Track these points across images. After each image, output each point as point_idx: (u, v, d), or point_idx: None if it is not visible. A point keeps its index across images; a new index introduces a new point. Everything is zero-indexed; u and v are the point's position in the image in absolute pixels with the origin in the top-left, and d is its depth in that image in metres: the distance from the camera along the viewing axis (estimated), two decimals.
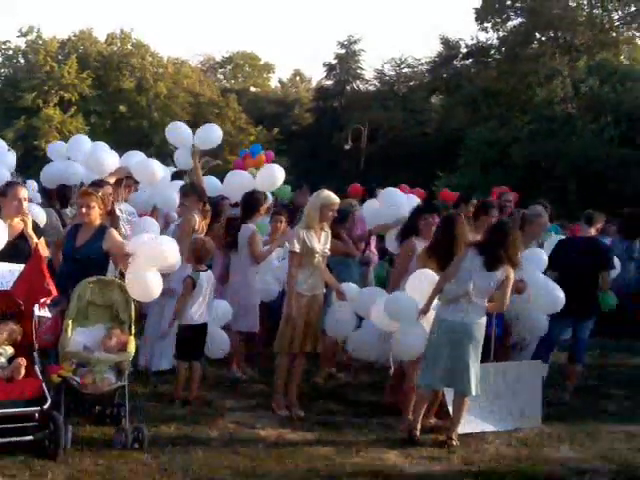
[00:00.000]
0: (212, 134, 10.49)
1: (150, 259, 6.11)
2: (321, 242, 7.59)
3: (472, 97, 39.58)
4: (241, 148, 47.88)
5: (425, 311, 7.16)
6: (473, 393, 6.97)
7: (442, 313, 7.04)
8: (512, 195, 12.11)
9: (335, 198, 7.61)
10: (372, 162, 43.81)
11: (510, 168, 32.14)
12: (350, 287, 8.06)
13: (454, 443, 6.90)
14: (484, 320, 7.01)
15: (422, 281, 7.28)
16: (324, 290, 7.77)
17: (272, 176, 9.74)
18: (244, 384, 8.65)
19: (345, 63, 54.39)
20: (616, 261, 11.49)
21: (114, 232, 7.09)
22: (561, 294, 8.12)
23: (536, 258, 8.36)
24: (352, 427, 7.28)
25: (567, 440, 7.33)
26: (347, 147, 39.08)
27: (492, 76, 40.71)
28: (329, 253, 7.76)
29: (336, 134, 47.16)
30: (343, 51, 54.46)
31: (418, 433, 7.00)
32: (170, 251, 6.19)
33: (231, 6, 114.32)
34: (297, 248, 7.42)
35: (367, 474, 6.13)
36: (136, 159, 10.14)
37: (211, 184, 10.78)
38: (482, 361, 7.37)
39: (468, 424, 7.30)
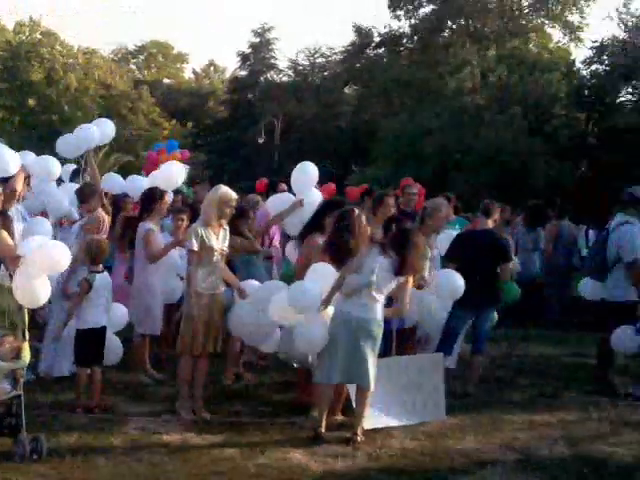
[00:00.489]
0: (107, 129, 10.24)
1: (40, 264, 5.94)
2: (220, 239, 7.52)
3: (384, 88, 39.75)
4: (154, 143, 47.45)
5: (326, 303, 7.14)
6: (372, 387, 6.98)
7: (341, 306, 7.04)
8: (417, 187, 12.23)
9: (232, 194, 7.55)
10: (287, 155, 43.83)
11: (423, 160, 32.44)
12: (251, 285, 7.99)
13: (359, 439, 6.91)
14: (382, 316, 7.03)
15: (321, 274, 7.24)
16: (224, 288, 7.71)
17: (171, 175, 9.54)
18: (150, 389, 8.52)
19: (259, 53, 54.04)
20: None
21: (3, 234, 6.85)
22: (461, 281, 8.20)
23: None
24: (258, 428, 7.22)
25: (471, 431, 7.41)
26: (261, 141, 39.02)
27: (404, 65, 40.93)
28: (228, 250, 7.70)
29: (251, 127, 46.94)
30: (257, 40, 54.14)
31: (323, 430, 7.00)
32: (62, 256, 6.03)
33: None
34: (195, 246, 7.34)
35: (271, 474, 6.10)
36: (30, 157, 9.83)
37: (114, 182, 10.61)
38: (384, 355, 7.46)
39: (374, 419, 7.33)
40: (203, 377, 7.73)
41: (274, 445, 6.79)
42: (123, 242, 9.54)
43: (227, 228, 7.69)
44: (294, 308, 7.21)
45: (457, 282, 8.25)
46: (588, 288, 9.62)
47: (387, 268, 6.94)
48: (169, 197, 8.92)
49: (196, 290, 7.39)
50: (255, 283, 8.02)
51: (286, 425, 7.35)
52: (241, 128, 50.68)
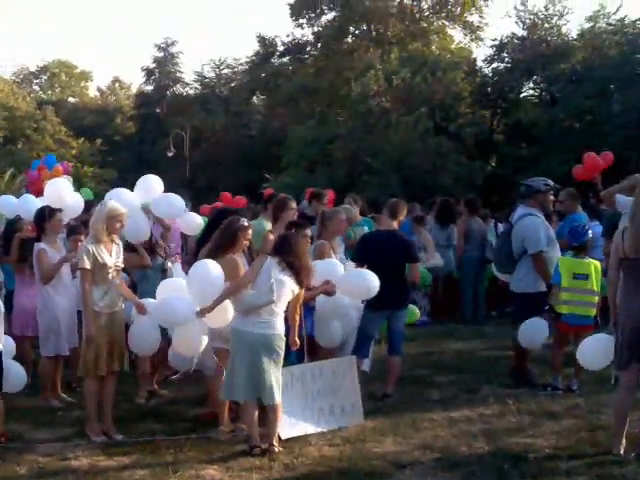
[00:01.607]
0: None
1: None
2: (113, 256, 7.27)
3: (291, 96, 39.73)
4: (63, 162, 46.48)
5: (207, 312, 6.95)
6: (276, 401, 6.80)
7: (240, 325, 6.85)
8: (328, 193, 12.19)
9: (120, 209, 7.32)
10: (198, 168, 43.44)
11: (334, 166, 32.50)
12: (149, 301, 7.74)
13: (276, 450, 6.72)
14: (283, 329, 6.89)
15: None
16: (123, 306, 7.46)
17: (57, 190, 9.18)
18: (60, 412, 8.19)
19: (164, 67, 53.56)
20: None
21: None
22: (374, 279, 8.06)
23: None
24: (172, 445, 6.94)
25: (390, 433, 7.29)
26: (170, 154, 38.56)
27: (310, 73, 40.97)
28: (123, 266, 7.46)
29: (160, 141, 46.45)
30: (161, 54, 53.66)
31: (259, 444, 6.78)
32: None
33: (42, 12, 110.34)
34: (87, 264, 7.08)
35: None
36: None
37: (8, 203, 10.26)
38: (297, 362, 7.32)
39: (291, 428, 7.17)
40: (111, 397, 7.47)
41: (188, 462, 6.56)
42: (22, 264, 9.20)
43: (120, 243, 7.46)
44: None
45: (369, 281, 8.10)
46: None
47: (283, 280, 6.80)
48: (60, 215, 8.58)
49: (93, 310, 7.12)
50: (152, 301, 7.76)
51: (201, 440, 7.11)
52: (150, 142, 50.16)
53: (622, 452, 6.53)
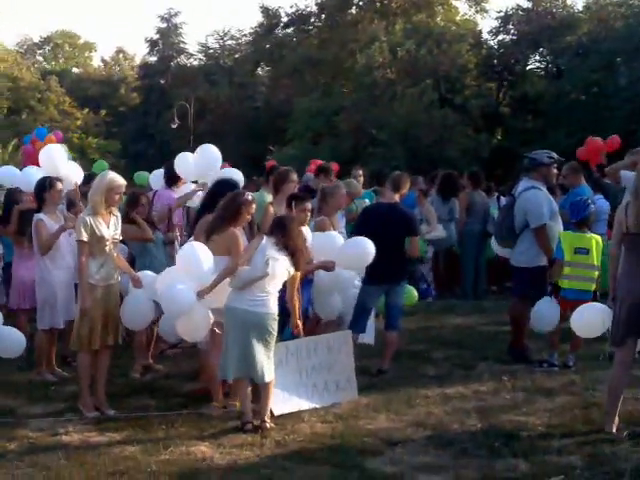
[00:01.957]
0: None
1: None
2: (111, 228, 7.21)
3: (295, 67, 39.48)
4: (67, 133, 46.40)
5: (207, 292, 6.91)
6: (266, 380, 6.77)
7: (233, 302, 6.78)
8: (334, 165, 12.17)
9: (120, 180, 7.24)
10: (203, 139, 43.21)
11: (339, 137, 32.38)
12: (145, 274, 7.69)
13: (267, 426, 6.68)
14: (276, 309, 6.84)
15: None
16: (120, 278, 7.40)
17: (50, 159, 9.11)
18: (53, 387, 8.15)
19: (168, 37, 53.36)
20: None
21: None
22: (369, 245, 8.00)
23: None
24: (165, 421, 6.89)
25: (383, 409, 7.24)
26: (174, 126, 38.44)
27: (314, 44, 40.69)
28: (121, 238, 7.41)
29: (165, 112, 46.30)
30: (164, 25, 53.40)
31: (251, 421, 6.75)
32: None
33: None
34: (85, 237, 7.01)
35: (172, 471, 5.81)
36: None
37: (10, 174, 10.19)
38: (292, 337, 7.29)
39: (283, 404, 7.13)
40: (105, 372, 7.43)
41: (180, 439, 6.51)
42: (20, 236, 9.15)
43: (118, 215, 7.39)
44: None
45: (364, 247, 8.04)
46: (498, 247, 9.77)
47: (279, 258, 6.75)
48: (60, 185, 8.50)
49: (89, 282, 7.06)
50: (150, 273, 7.71)
51: (194, 417, 7.07)
52: (154, 114, 50.00)
53: (614, 430, 6.47)
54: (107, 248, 7.16)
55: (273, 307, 6.80)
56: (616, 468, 5.82)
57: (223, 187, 7.83)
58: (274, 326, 6.82)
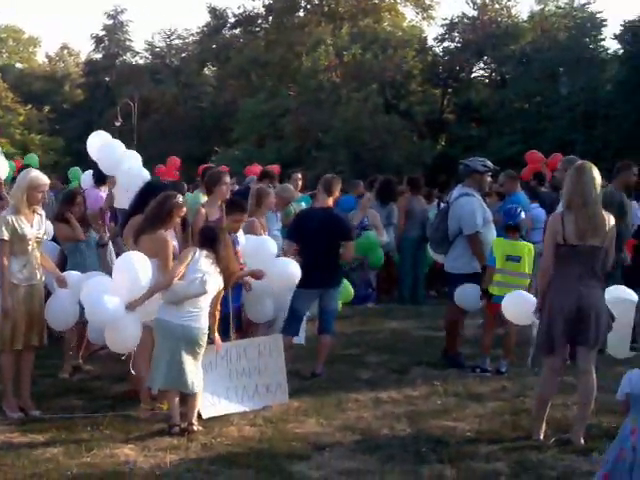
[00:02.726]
0: None
1: None
2: (34, 227, 7.04)
3: (242, 68, 39.38)
4: (10, 129, 45.61)
5: (138, 304, 6.76)
6: (195, 391, 6.67)
7: (165, 315, 6.67)
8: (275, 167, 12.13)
9: (43, 179, 7.09)
10: (147, 139, 42.84)
11: (284, 140, 32.34)
12: (71, 274, 7.53)
13: (195, 429, 6.59)
14: (207, 323, 6.76)
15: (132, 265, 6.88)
16: (44, 278, 7.25)
17: None
18: None
19: (114, 34, 52.81)
20: None
21: None
22: (295, 268, 7.98)
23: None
24: (91, 423, 6.76)
25: (314, 413, 7.18)
26: (117, 124, 37.97)
27: (261, 46, 40.63)
28: (48, 237, 7.24)
29: (109, 110, 45.78)
30: (110, 22, 52.86)
31: (178, 424, 6.65)
32: None
33: None
34: (5, 236, 6.84)
35: (93, 474, 5.70)
36: None
37: None
38: (223, 340, 7.19)
39: (212, 407, 7.05)
40: (29, 372, 7.25)
41: (104, 441, 6.38)
42: None
43: (43, 214, 7.23)
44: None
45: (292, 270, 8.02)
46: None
47: (213, 273, 6.69)
48: None
49: (11, 282, 6.89)
50: (75, 273, 7.55)
51: (120, 419, 6.93)
52: (99, 111, 49.40)
53: (542, 437, 6.50)
54: (30, 247, 7.00)
55: (205, 322, 6.73)
56: (542, 475, 5.85)
57: (154, 188, 7.72)
58: (204, 340, 6.75)
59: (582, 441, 6.41)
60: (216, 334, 7.03)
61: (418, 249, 13.31)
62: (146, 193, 7.69)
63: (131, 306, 6.76)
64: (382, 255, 12.69)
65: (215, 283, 6.73)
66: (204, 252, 6.72)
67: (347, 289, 9.69)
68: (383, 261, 12.83)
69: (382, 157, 28.87)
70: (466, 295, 8.80)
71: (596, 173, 6.46)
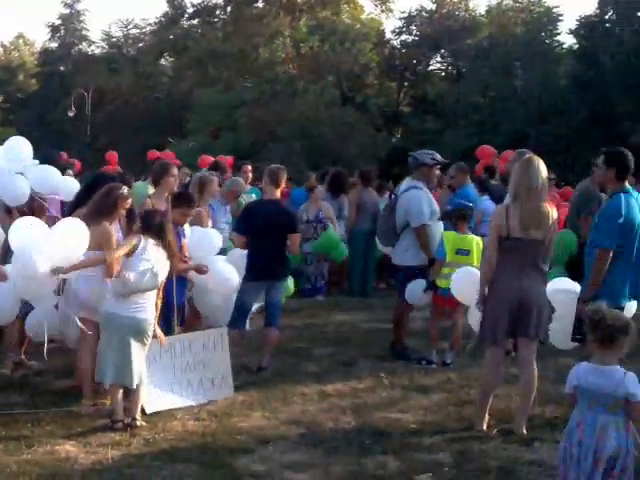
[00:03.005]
0: None
1: None
2: None
3: (199, 59, 39.14)
4: None
5: (65, 272, 6.67)
6: (134, 386, 6.61)
7: (112, 307, 6.60)
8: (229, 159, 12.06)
9: None
10: (101, 129, 42.45)
11: (239, 132, 32.21)
12: (9, 268, 7.41)
13: (138, 424, 6.53)
14: (154, 314, 6.72)
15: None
16: None
17: None
18: None
19: (70, 24, 52.19)
20: None
21: None
22: (232, 275, 8.03)
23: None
24: (31, 420, 6.67)
25: (259, 407, 7.16)
26: (71, 114, 37.54)
27: (219, 37, 40.41)
28: None
29: (64, 100, 45.26)
30: (67, 11, 52.26)
31: (122, 419, 6.58)
32: None
33: None
34: None
35: (33, 471, 5.61)
36: None
37: None
38: (167, 333, 7.14)
39: (156, 402, 6.98)
40: None
41: (45, 437, 6.29)
42: None
43: None
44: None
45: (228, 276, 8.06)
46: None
47: (160, 259, 6.63)
48: None
49: None
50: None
51: (62, 415, 6.84)
52: (53, 101, 48.83)
53: (485, 428, 6.55)
54: None
55: (151, 313, 6.69)
56: (484, 465, 5.89)
57: (99, 180, 7.64)
58: (151, 331, 6.71)
59: (524, 431, 6.48)
60: (157, 329, 6.96)
61: (368, 242, 13.30)
62: (91, 185, 7.61)
63: (57, 270, 6.63)
64: (344, 249, 12.70)
65: (164, 272, 6.68)
66: (150, 240, 6.65)
67: (287, 285, 9.68)
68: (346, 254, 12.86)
69: (338, 149, 28.87)
70: (416, 291, 8.81)
71: (542, 166, 6.52)
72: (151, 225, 6.73)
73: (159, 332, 6.95)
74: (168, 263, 6.73)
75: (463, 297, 7.67)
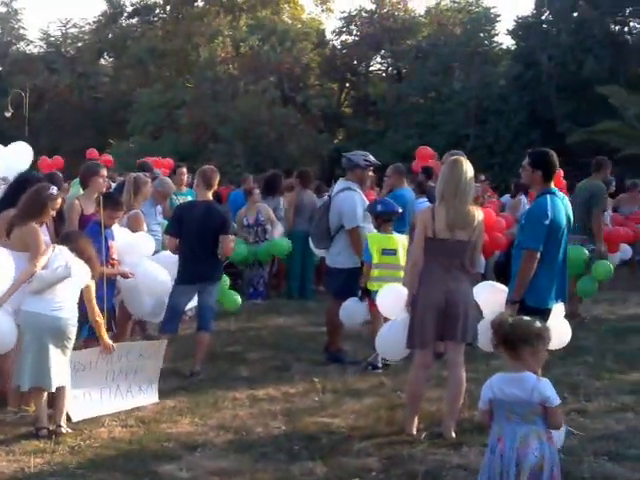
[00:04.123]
0: None
1: None
2: None
3: (139, 58, 38.74)
4: None
5: (5, 300, 6.51)
6: (52, 389, 6.47)
7: (32, 306, 6.46)
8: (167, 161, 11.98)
9: None
10: (40, 129, 41.73)
11: (180, 132, 31.97)
12: None
13: (63, 431, 6.41)
14: (76, 313, 6.59)
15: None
16: None
17: None
18: None
19: (7, 23, 51.17)
20: None
21: None
22: (165, 277, 7.97)
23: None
24: None
25: (189, 413, 7.07)
26: (8, 114, 36.80)
27: (159, 36, 40.05)
28: None
29: (0, 101, 44.40)
30: (4, 10, 51.26)
31: (46, 426, 6.44)
32: None
33: None
34: None
35: None
36: None
37: None
38: (95, 338, 7.01)
39: (83, 409, 6.86)
40: None
41: None
42: None
43: None
44: None
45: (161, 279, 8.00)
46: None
47: (75, 261, 6.54)
48: None
49: None
50: None
51: None
52: None
53: (414, 431, 6.55)
54: None
55: (73, 312, 6.55)
56: (411, 470, 5.86)
57: (27, 180, 7.50)
58: (74, 332, 6.57)
59: (453, 434, 6.47)
60: (105, 336, 6.87)
61: (307, 243, 13.25)
62: (19, 185, 7.47)
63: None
64: (287, 243, 12.74)
65: (81, 272, 6.56)
66: (64, 247, 6.58)
67: (232, 298, 9.65)
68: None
69: (279, 151, 28.80)
70: (350, 310, 8.74)
71: (469, 168, 6.56)
72: (66, 242, 6.70)
73: (106, 340, 6.85)
74: (86, 266, 6.61)
75: (389, 313, 7.63)
